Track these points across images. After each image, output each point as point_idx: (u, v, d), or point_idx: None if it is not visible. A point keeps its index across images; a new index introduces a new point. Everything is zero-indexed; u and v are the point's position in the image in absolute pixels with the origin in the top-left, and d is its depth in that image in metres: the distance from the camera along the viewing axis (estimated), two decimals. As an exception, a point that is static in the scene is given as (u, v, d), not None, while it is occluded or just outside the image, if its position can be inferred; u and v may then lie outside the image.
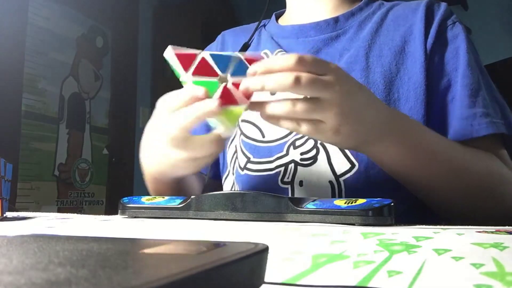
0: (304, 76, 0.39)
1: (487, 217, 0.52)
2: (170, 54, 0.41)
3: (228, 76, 0.43)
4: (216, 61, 0.43)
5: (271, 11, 0.78)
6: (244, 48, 0.72)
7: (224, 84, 0.42)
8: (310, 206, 0.42)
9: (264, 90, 0.40)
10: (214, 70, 0.43)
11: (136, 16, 2.47)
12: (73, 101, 2.11)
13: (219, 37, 0.80)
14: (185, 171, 0.52)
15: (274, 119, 0.42)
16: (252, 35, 0.73)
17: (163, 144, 0.45)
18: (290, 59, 0.40)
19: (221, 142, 0.44)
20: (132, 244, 0.17)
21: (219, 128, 0.42)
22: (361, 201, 0.41)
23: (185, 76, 0.41)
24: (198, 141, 0.44)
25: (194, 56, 0.42)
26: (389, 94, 0.59)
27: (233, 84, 0.42)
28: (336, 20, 0.67)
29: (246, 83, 0.41)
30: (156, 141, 0.48)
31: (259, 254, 0.15)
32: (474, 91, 0.58)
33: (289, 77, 0.39)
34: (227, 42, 0.77)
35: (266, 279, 0.16)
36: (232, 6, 2.85)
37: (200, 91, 0.41)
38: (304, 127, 0.42)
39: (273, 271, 0.19)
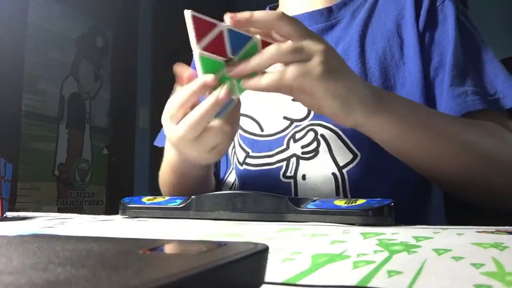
0: (288, 19, 0.41)
1: (499, 196, 0.50)
2: (188, 16, 0.40)
3: (236, 59, 0.42)
4: (232, 39, 0.41)
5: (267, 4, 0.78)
6: None
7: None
8: (310, 206, 0.42)
9: (252, 22, 0.41)
10: (225, 50, 0.41)
11: (136, 16, 2.47)
12: (73, 101, 2.11)
13: None
14: (208, 160, 0.49)
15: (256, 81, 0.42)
16: None
17: (183, 143, 0.45)
18: (275, 49, 0.41)
19: (234, 122, 0.45)
20: (132, 244, 0.17)
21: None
22: (361, 201, 0.41)
23: (196, 47, 0.40)
24: (210, 134, 0.44)
25: (212, 26, 0.40)
26: (385, 81, 0.59)
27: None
28: (329, 10, 0.67)
29: (245, 84, 0.42)
30: (171, 153, 0.51)
31: (259, 254, 0.15)
32: (464, 71, 0.57)
33: (277, 13, 0.41)
34: None
35: (266, 279, 0.16)
36: (232, 7, 2.85)
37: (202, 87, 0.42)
38: (290, 70, 0.41)
39: (273, 271, 0.19)
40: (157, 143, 0.74)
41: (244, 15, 0.41)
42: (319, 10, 0.67)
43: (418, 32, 0.60)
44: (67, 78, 2.08)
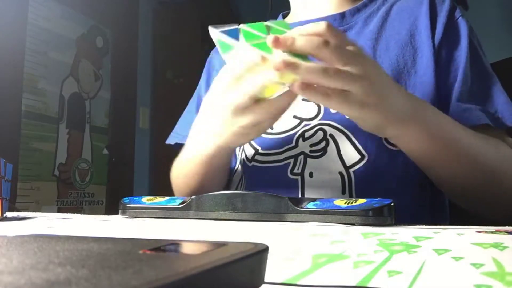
0: (333, 41, 0.41)
1: (499, 203, 0.54)
2: (215, 33, 0.43)
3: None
4: (255, 29, 0.44)
5: (275, 12, 0.78)
6: None
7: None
8: (310, 206, 0.42)
9: (294, 47, 0.41)
10: (258, 35, 0.44)
11: (136, 16, 2.47)
12: (73, 101, 2.11)
13: None
14: (246, 139, 0.53)
15: (306, 89, 0.42)
16: None
17: (227, 112, 0.48)
18: (320, 25, 0.42)
19: (285, 103, 0.47)
20: (132, 244, 0.17)
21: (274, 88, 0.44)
22: (361, 201, 0.41)
23: (240, 44, 0.43)
24: (264, 105, 0.46)
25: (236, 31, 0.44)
26: None
27: None
28: (342, 15, 0.68)
29: (280, 37, 0.41)
30: (217, 112, 0.50)
31: (259, 254, 0.15)
32: (470, 88, 0.59)
33: (319, 40, 0.41)
34: None
35: (266, 279, 0.16)
36: (233, 6, 2.85)
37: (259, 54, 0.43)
38: (334, 99, 0.42)
39: (273, 271, 0.19)
40: (170, 141, 0.74)
41: (287, 40, 0.41)
42: (332, 16, 0.68)
43: (433, 44, 0.61)
44: (67, 78, 2.08)
